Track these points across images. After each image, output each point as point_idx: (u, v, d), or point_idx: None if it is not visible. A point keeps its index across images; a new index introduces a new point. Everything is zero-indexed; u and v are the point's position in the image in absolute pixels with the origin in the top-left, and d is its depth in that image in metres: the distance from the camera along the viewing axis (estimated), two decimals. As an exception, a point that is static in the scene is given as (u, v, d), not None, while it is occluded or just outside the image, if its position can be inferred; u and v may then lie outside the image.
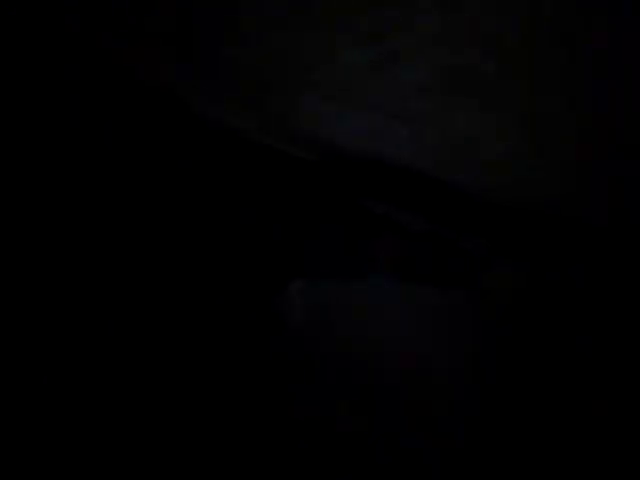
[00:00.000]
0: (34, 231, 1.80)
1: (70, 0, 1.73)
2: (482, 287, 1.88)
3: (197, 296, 1.88)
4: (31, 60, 1.87)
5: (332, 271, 1.97)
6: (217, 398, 1.80)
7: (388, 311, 1.88)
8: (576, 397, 1.76)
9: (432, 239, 1.97)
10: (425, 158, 1.90)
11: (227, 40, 1.81)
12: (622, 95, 1.71)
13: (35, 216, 1.83)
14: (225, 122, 1.93)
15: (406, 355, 1.84)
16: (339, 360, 1.84)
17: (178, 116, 1.95)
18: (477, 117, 1.89)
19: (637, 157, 1.82)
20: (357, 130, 1.88)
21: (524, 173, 1.92)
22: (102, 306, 1.82)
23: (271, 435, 1.77)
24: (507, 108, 1.90)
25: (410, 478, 1.70)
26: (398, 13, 1.66)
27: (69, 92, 1.90)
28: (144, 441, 1.72)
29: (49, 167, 1.87)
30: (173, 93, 1.93)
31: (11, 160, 1.84)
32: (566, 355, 1.81)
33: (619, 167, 1.83)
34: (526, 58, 1.86)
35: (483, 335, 1.84)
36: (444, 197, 1.94)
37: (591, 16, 1.58)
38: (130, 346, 1.81)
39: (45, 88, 1.88)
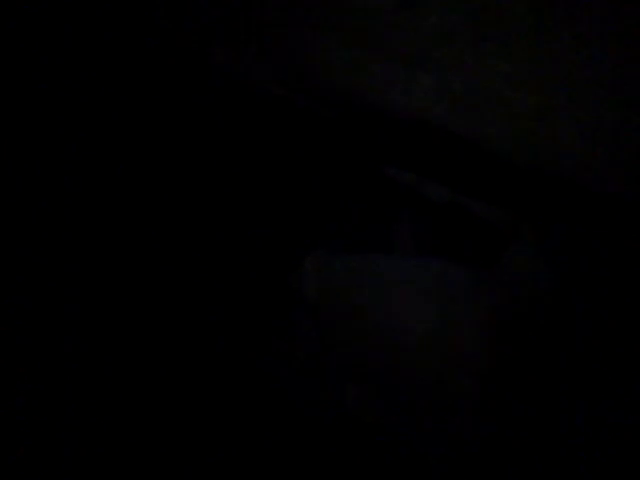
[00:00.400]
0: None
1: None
2: (502, 264, 1.79)
3: (209, 272, 1.81)
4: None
5: (350, 244, 1.88)
6: (229, 377, 1.73)
7: (407, 286, 1.79)
8: (584, 387, 1.69)
9: (455, 211, 1.86)
10: (450, 110, 1.77)
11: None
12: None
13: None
14: (238, 71, 1.81)
15: (423, 332, 1.75)
16: (354, 337, 1.75)
17: (193, 68, 1.84)
18: (507, 68, 1.76)
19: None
20: (376, 80, 1.75)
21: (556, 133, 1.80)
22: (108, 289, 1.76)
23: (282, 416, 1.70)
24: (539, 59, 1.77)
25: (417, 468, 1.63)
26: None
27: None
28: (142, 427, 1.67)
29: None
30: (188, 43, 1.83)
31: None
32: (580, 341, 1.72)
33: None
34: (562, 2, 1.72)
35: (500, 313, 1.75)
36: (469, 154, 1.81)
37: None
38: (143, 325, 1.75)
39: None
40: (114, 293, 1.78)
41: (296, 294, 1.80)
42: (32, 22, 1.82)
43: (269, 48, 1.77)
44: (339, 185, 1.90)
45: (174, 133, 1.90)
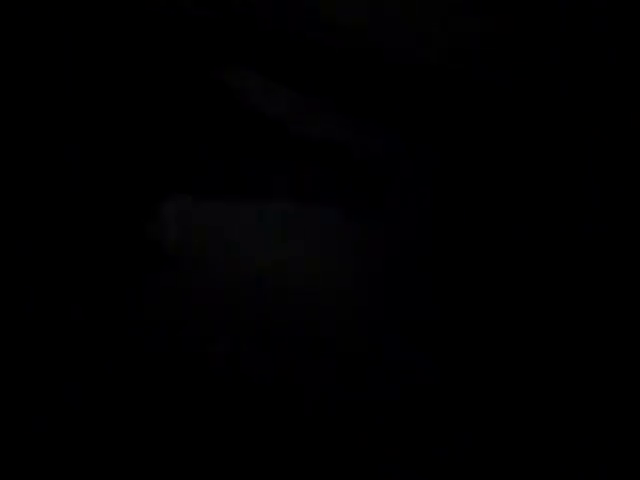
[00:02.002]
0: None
1: None
2: (383, 209, 1.76)
3: (57, 227, 1.71)
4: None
5: (218, 189, 1.76)
6: (88, 340, 1.61)
7: (279, 234, 1.75)
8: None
9: (329, 151, 1.82)
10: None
11: None
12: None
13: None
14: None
15: (297, 278, 1.71)
16: (220, 286, 1.69)
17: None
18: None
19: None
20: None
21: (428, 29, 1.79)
22: None
23: (145, 373, 1.60)
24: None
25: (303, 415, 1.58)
26: None
27: None
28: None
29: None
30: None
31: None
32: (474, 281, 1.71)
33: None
34: None
35: (382, 259, 1.71)
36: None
37: None
38: None
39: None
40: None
41: (154, 245, 1.71)
42: None
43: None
44: (203, 126, 1.84)
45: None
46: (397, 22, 1.78)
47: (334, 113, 1.78)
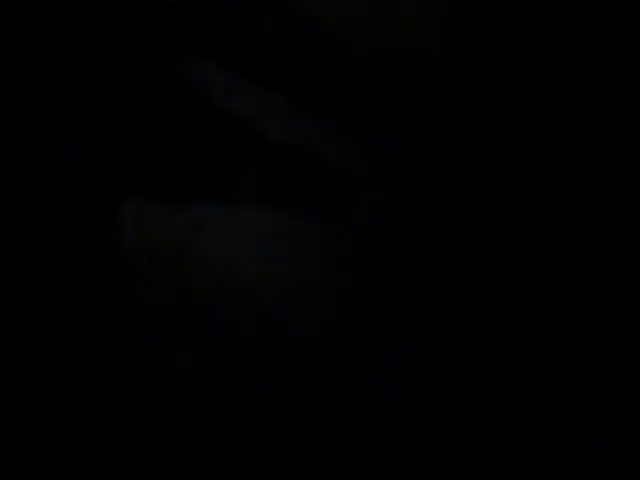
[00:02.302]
0: None
1: None
2: (349, 213, 1.69)
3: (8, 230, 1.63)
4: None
5: (177, 192, 1.71)
6: (39, 346, 1.57)
7: (239, 236, 1.67)
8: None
9: (298, 153, 1.76)
10: None
11: None
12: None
13: None
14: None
15: (260, 285, 1.63)
16: (180, 294, 1.62)
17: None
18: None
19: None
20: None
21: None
22: None
23: (101, 388, 1.54)
24: None
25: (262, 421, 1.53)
26: None
27: None
28: None
29: None
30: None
31: None
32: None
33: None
34: None
35: (347, 263, 1.67)
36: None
37: None
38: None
39: None
40: None
41: (110, 248, 1.64)
42: None
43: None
44: (166, 122, 1.75)
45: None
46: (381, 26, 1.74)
47: (303, 113, 1.73)
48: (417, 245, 1.65)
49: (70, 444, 1.53)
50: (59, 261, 1.60)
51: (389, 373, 1.59)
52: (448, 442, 1.55)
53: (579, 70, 1.69)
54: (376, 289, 1.62)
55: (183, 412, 1.54)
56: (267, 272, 1.60)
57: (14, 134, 1.66)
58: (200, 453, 1.54)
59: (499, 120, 1.72)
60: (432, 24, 1.71)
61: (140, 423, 1.53)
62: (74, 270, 1.59)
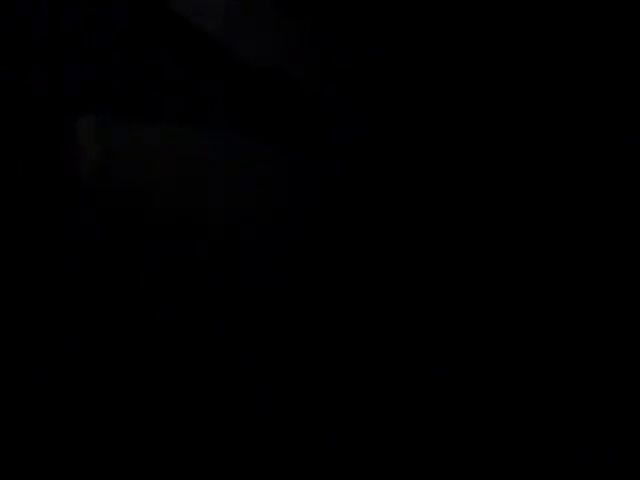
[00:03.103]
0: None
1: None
2: (320, 146, 1.59)
3: None
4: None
5: (142, 109, 1.59)
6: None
7: (205, 164, 1.56)
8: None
9: (271, 78, 1.62)
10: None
11: None
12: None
13: None
14: None
15: (223, 216, 1.54)
16: (142, 223, 1.51)
17: None
18: None
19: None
20: None
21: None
22: None
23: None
24: None
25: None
26: None
27: None
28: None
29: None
30: None
31: None
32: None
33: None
34: None
35: (314, 198, 1.58)
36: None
37: None
38: None
39: None
40: None
41: (69, 174, 1.52)
42: None
43: None
44: (131, 36, 1.61)
45: None
46: None
47: (273, 33, 1.59)
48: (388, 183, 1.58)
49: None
50: (13, 187, 1.49)
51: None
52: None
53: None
54: (344, 229, 1.55)
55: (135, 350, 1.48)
56: (234, 198, 1.51)
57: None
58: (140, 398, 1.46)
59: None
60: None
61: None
62: (30, 198, 1.48)
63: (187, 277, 1.52)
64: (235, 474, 1.46)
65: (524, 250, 1.58)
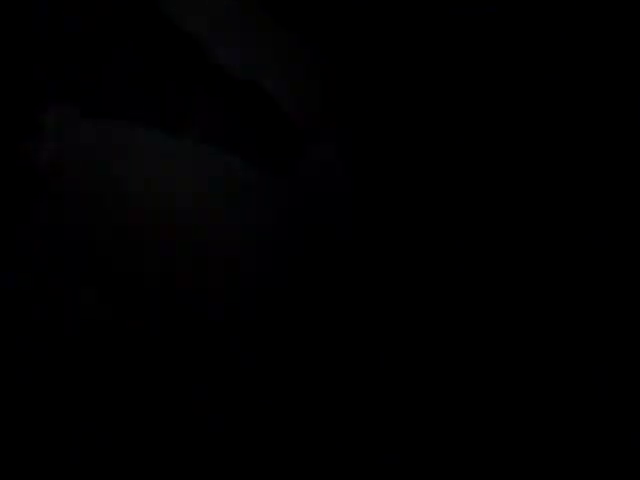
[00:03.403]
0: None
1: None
2: (300, 164, 1.56)
3: None
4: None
5: (112, 106, 1.53)
6: None
7: (178, 173, 1.52)
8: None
9: (252, 92, 1.59)
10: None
11: None
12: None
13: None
14: None
15: (196, 232, 1.49)
16: (100, 224, 1.45)
17: None
18: None
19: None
20: None
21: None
22: None
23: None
24: None
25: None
26: None
27: None
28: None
29: None
30: None
31: None
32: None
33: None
34: None
35: (292, 217, 1.55)
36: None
37: None
38: None
39: None
40: None
41: (28, 164, 1.45)
42: None
43: None
44: (104, 24, 1.56)
45: None
46: None
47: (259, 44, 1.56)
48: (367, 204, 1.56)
49: None
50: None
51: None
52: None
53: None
54: (323, 248, 1.53)
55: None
56: (200, 207, 1.45)
57: None
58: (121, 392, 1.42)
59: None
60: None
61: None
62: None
63: (139, 271, 1.45)
64: (235, 474, 1.44)
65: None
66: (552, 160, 1.61)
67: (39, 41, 1.50)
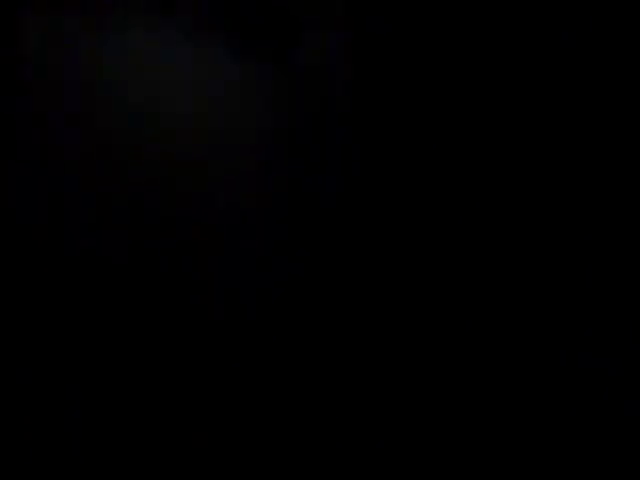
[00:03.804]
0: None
1: None
2: (291, 62, 1.51)
3: None
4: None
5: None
6: None
7: (170, 70, 1.47)
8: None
9: None
10: None
11: None
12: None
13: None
14: None
15: (187, 124, 1.44)
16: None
17: None
18: None
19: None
20: None
21: None
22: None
23: None
24: None
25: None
26: None
27: None
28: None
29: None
30: None
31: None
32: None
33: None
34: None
35: (288, 108, 1.48)
36: None
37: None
38: None
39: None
40: None
41: (8, 61, 1.39)
42: None
43: None
44: None
45: None
46: None
47: None
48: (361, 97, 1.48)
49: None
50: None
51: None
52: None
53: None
54: (317, 141, 1.44)
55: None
56: (198, 111, 1.40)
57: None
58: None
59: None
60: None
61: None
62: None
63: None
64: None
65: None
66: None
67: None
